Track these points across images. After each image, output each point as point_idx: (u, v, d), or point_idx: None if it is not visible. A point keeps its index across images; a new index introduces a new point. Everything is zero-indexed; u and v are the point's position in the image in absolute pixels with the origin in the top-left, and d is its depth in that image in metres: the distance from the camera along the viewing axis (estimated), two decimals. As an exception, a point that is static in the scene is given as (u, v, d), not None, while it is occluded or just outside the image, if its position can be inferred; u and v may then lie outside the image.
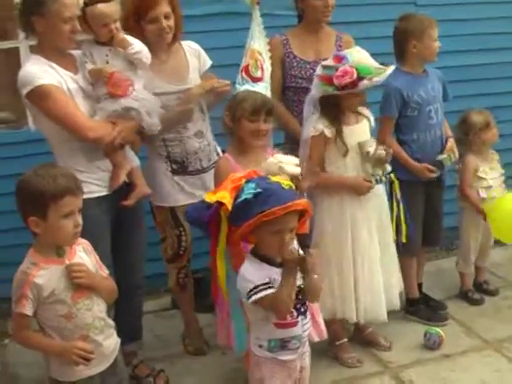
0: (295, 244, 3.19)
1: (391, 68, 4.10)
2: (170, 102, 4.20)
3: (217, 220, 3.45)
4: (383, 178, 4.31)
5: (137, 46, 3.89)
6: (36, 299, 2.96)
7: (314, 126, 4.13)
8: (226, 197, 3.31)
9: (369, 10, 5.67)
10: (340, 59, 4.06)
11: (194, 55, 4.38)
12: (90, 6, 3.81)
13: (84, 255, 3.13)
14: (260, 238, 3.22)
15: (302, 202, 3.22)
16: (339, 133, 4.14)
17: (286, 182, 3.29)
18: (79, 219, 3.01)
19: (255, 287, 3.13)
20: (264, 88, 4.01)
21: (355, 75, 3.98)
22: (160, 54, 4.22)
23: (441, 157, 4.71)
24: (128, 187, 3.99)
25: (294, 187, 3.37)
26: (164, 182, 4.32)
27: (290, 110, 4.61)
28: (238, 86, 3.99)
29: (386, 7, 5.67)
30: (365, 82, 4.00)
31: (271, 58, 4.24)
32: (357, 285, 4.26)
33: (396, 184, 4.46)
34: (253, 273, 3.17)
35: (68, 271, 3.00)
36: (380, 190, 4.37)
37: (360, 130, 4.26)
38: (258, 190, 3.18)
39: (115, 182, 3.90)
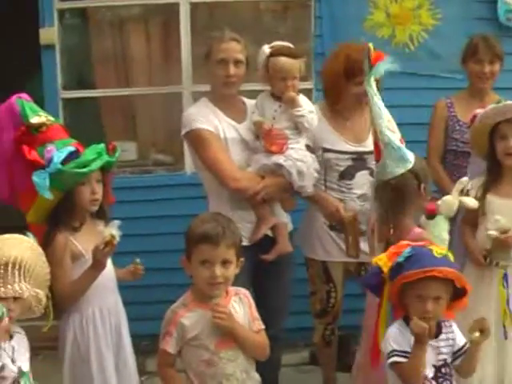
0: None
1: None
2: (341, 162, 4.17)
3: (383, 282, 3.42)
4: (502, 263, 3.85)
5: (305, 109, 3.90)
6: (180, 339, 2.99)
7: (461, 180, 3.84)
8: (382, 259, 3.28)
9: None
10: None
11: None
12: (274, 56, 3.88)
13: (237, 305, 3.10)
14: (407, 301, 3.17)
15: (445, 270, 3.09)
16: (482, 197, 3.88)
17: (439, 250, 3.23)
18: (218, 270, 2.95)
19: (393, 351, 3.06)
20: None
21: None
22: (344, 112, 4.22)
23: None
24: (271, 240, 4.00)
25: (450, 256, 3.29)
26: (319, 236, 4.28)
27: (450, 175, 4.51)
28: (409, 157, 3.85)
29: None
30: (481, 114, 3.89)
31: (435, 118, 4.20)
32: None
33: None
34: (397, 337, 3.09)
35: (211, 310, 2.98)
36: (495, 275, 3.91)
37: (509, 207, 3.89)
38: (411, 254, 3.15)
39: (255, 235, 3.93)
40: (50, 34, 5.34)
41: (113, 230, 3.41)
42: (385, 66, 3.68)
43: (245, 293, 3.18)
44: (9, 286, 2.80)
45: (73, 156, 3.44)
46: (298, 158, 3.92)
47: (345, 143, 4.21)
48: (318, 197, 4.17)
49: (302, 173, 3.93)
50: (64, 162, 3.40)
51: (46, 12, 5.35)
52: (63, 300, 3.19)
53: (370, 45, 3.65)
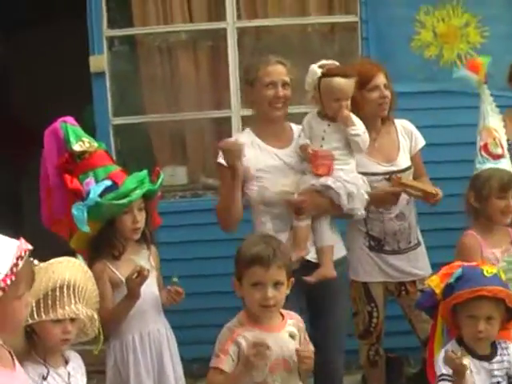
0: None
1: None
2: (375, 184, 4.15)
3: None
4: None
5: (359, 128, 3.86)
6: (236, 357, 2.94)
7: None
8: (434, 280, 3.26)
9: None
10: None
11: (406, 135, 4.36)
12: (328, 77, 3.82)
13: (294, 329, 3.07)
14: (459, 322, 3.15)
15: (494, 289, 3.08)
16: None
17: (490, 269, 3.19)
18: (270, 292, 2.92)
19: (441, 375, 3.05)
20: (507, 164, 3.96)
21: None
22: (371, 133, 4.19)
23: None
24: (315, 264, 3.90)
25: (502, 275, 3.25)
26: (360, 257, 4.28)
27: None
28: (478, 165, 3.96)
29: None
30: None
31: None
32: None
33: None
34: None
35: (297, 355, 2.96)
36: None
37: None
38: (461, 274, 3.13)
39: None
40: (99, 61, 5.44)
41: (141, 261, 3.46)
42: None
43: (298, 318, 3.16)
44: (66, 308, 2.86)
45: (111, 189, 3.49)
46: (347, 179, 3.86)
47: (377, 164, 4.24)
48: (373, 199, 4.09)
49: (352, 195, 3.86)
50: (102, 194, 3.46)
51: (95, 40, 5.45)
52: (103, 327, 3.24)
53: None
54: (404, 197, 4.23)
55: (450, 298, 3.12)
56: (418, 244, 4.37)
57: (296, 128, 4.07)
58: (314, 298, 3.90)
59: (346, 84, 3.81)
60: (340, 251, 4.06)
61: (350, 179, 3.88)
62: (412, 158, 4.35)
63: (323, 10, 5.64)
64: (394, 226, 4.23)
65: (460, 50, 5.43)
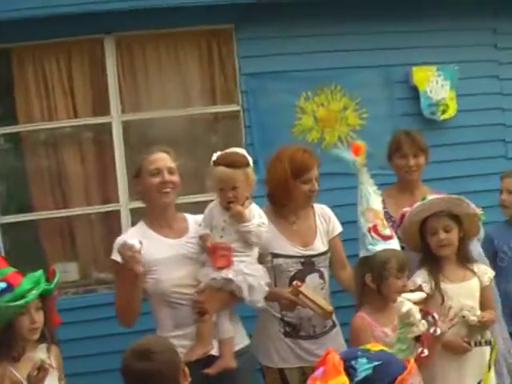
0: None
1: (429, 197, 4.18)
2: (290, 267, 4.20)
3: None
4: (482, 342, 4.12)
5: (252, 223, 3.83)
6: None
7: (412, 279, 4.09)
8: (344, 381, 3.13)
9: (462, 166, 5.73)
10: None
11: (324, 220, 4.41)
12: (215, 166, 3.83)
13: None
14: None
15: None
16: (437, 286, 4.08)
17: (375, 348, 3.22)
18: None
19: None
20: (397, 244, 4.03)
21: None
22: (289, 215, 4.27)
23: None
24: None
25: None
26: (275, 343, 4.25)
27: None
28: (370, 246, 3.95)
29: (478, 162, 5.73)
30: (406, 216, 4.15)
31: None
32: None
33: (495, 350, 4.14)
34: None
35: None
36: (478, 353, 4.13)
37: (466, 289, 4.13)
38: (375, 364, 3.09)
39: (189, 355, 3.70)
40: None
41: (41, 355, 3.38)
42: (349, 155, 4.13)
43: None
44: None
45: (6, 290, 3.42)
46: (248, 272, 3.84)
47: (293, 247, 4.25)
48: (269, 296, 4.08)
49: (253, 287, 3.84)
50: (-2, 297, 3.37)
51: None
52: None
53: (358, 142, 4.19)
54: (319, 281, 4.27)
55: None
56: (334, 326, 4.37)
57: (191, 218, 4.06)
58: None
59: (230, 174, 3.79)
60: (242, 341, 4.04)
61: (250, 272, 3.85)
62: (330, 243, 4.39)
63: (206, 100, 5.75)
64: (309, 311, 4.17)
65: (340, 132, 5.63)
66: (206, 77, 5.75)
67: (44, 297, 3.59)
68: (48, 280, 3.62)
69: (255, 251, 3.95)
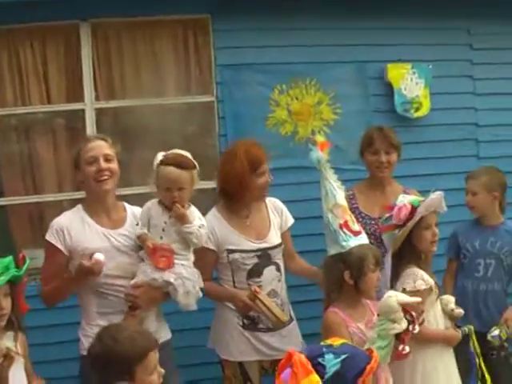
0: None
1: (437, 193, 4.15)
2: (247, 260, 4.22)
3: None
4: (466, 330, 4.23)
5: (194, 225, 3.87)
6: None
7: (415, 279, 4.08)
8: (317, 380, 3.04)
9: (434, 164, 5.78)
10: (391, 207, 4.19)
11: (276, 212, 4.44)
12: (163, 165, 3.85)
13: None
14: None
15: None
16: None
17: (337, 342, 3.25)
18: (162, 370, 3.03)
19: None
20: (366, 239, 4.06)
21: (409, 206, 4.09)
22: (241, 210, 4.28)
23: (490, 335, 4.46)
24: None
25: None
26: (234, 336, 4.27)
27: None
28: (344, 242, 3.94)
29: (450, 160, 5.78)
30: (420, 210, 4.07)
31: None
32: None
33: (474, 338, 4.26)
34: None
35: None
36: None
37: None
38: (343, 357, 3.11)
39: None
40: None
41: (7, 343, 3.35)
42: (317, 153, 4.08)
43: None
44: None
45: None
46: (187, 276, 3.88)
47: (248, 241, 4.26)
48: (226, 296, 4.20)
49: (189, 292, 3.89)
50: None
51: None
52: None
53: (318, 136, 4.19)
54: (275, 273, 4.30)
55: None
56: (291, 320, 4.41)
57: (130, 209, 4.06)
58: None
59: (178, 174, 3.83)
60: (166, 335, 4.06)
61: (188, 275, 3.89)
62: (282, 235, 4.43)
63: (181, 90, 5.74)
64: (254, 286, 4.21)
65: (314, 126, 5.65)
66: (181, 67, 5.74)
67: (13, 283, 3.55)
68: (18, 266, 3.59)
69: (192, 254, 3.97)
